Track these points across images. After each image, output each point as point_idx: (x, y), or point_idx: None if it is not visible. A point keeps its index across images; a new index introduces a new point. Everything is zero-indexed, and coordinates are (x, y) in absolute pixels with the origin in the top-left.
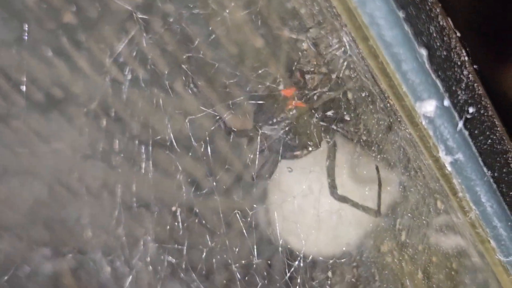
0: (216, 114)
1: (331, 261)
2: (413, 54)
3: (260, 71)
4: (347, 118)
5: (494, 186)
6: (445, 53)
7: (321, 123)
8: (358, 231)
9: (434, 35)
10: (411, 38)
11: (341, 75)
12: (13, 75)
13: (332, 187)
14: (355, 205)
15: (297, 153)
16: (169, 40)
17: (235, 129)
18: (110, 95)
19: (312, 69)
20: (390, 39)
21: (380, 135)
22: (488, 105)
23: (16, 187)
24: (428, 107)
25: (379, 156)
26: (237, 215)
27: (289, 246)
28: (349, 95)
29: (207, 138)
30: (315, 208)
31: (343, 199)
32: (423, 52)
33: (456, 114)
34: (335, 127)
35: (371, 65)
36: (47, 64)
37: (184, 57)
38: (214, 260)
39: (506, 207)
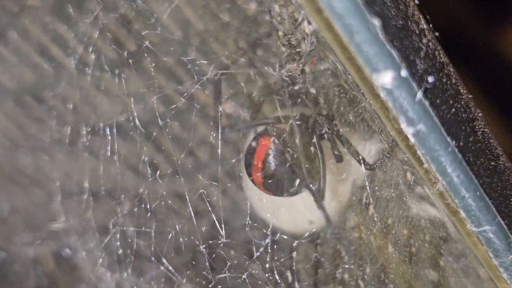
0: (181, 91)
1: (296, 241)
2: (365, 24)
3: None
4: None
5: (460, 156)
6: (401, 22)
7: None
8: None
9: (388, 3)
10: (362, 8)
11: (304, 49)
12: None
13: None
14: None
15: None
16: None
17: (198, 106)
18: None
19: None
20: (341, 10)
21: (342, 108)
22: (452, 73)
23: None
24: (385, 78)
25: (349, 128)
26: (202, 195)
27: (255, 225)
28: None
29: (171, 117)
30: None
31: None
32: (376, 22)
33: (414, 84)
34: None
35: (328, 38)
36: None
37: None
38: (181, 241)
39: (473, 176)
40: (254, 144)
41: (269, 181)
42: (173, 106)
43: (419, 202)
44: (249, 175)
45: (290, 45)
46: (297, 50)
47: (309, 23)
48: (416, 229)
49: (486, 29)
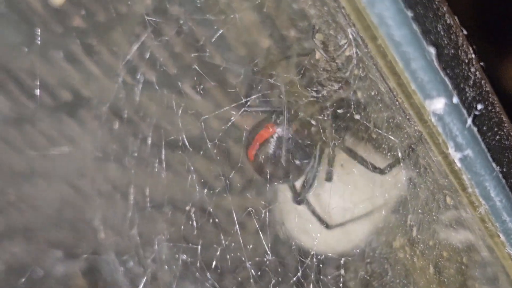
0: (228, 113)
1: (343, 259)
2: (421, 52)
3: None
4: (356, 117)
5: (503, 181)
6: (452, 51)
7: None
8: (370, 228)
9: (442, 33)
10: (419, 37)
11: (350, 74)
12: (26, 79)
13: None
14: None
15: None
16: (179, 42)
17: (247, 128)
18: (122, 97)
19: (325, 73)
20: (399, 38)
21: (389, 133)
22: (495, 102)
23: (29, 190)
24: (437, 104)
25: (389, 154)
26: (251, 213)
27: (302, 244)
28: (359, 94)
29: (220, 138)
30: (327, 206)
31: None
32: (432, 50)
33: (464, 111)
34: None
35: (380, 64)
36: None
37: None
38: (228, 258)
39: None
40: (259, 128)
41: (259, 161)
42: (223, 128)
43: (457, 226)
44: (246, 145)
45: (331, 70)
46: (338, 74)
47: (352, 48)
48: (454, 251)
49: None
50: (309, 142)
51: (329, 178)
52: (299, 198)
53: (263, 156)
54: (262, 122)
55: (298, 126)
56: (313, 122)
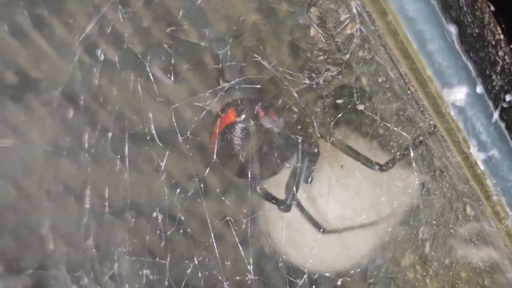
0: (204, 102)
1: (341, 279)
2: (440, 32)
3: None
4: (360, 107)
5: None
6: (477, 30)
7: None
8: (374, 242)
9: (465, 9)
10: (437, 13)
11: (353, 57)
12: None
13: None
14: None
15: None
16: (147, 15)
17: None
18: (78, 80)
19: (321, 55)
20: (413, 14)
21: (399, 128)
22: None
23: None
24: (458, 94)
25: (398, 153)
26: (229, 222)
27: (291, 260)
28: (363, 81)
29: (193, 131)
30: (323, 214)
31: None
32: (452, 29)
33: (490, 103)
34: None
35: (390, 44)
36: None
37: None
38: (201, 276)
39: None
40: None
41: (221, 150)
42: (196, 118)
43: (478, 241)
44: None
45: (329, 50)
46: (338, 56)
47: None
48: (474, 272)
49: None
50: (296, 136)
51: (306, 179)
52: (284, 204)
53: (221, 146)
54: (226, 107)
55: (284, 116)
56: (304, 113)
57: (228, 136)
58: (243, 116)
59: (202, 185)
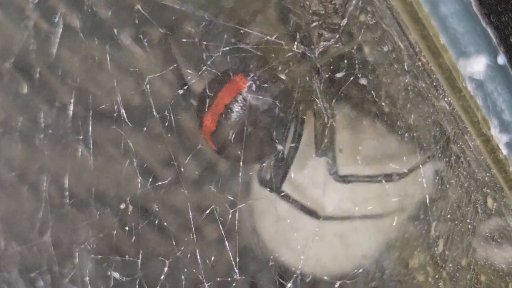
0: (182, 74)
1: (339, 282)
2: None
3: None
4: (362, 82)
5: None
6: None
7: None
8: (377, 239)
9: None
10: None
11: (353, 22)
12: None
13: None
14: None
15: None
16: None
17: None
18: (33, 50)
19: (316, 20)
20: None
21: (408, 106)
22: None
23: None
24: (476, 66)
25: (406, 135)
26: (213, 214)
27: (282, 259)
28: (366, 50)
29: (170, 108)
30: (319, 207)
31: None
32: None
33: None
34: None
35: (397, 7)
36: None
37: None
38: (181, 276)
39: None
40: (223, 77)
41: (224, 133)
42: (175, 93)
43: (501, 239)
44: (198, 112)
45: (325, 14)
46: (335, 21)
47: None
48: (496, 275)
49: None
50: (289, 111)
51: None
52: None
53: (229, 124)
54: (225, 74)
55: (276, 88)
56: (297, 85)
57: (236, 110)
58: (250, 83)
59: (180, 171)
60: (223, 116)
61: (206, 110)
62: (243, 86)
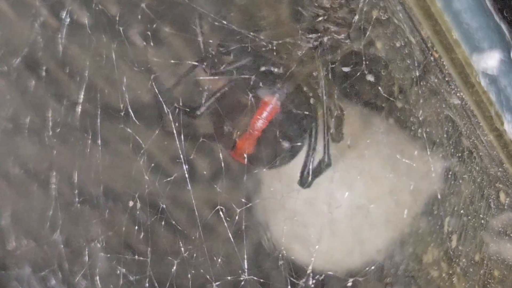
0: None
1: (352, 279)
2: None
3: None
4: (370, 79)
5: None
6: None
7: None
8: (391, 235)
9: None
10: None
11: (365, 17)
12: None
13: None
14: None
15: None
16: None
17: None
18: (41, 47)
19: (323, 13)
20: None
21: (420, 101)
22: None
23: None
24: (490, 61)
25: (419, 130)
26: (221, 212)
27: (293, 257)
28: (378, 46)
29: (179, 104)
30: (329, 204)
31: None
32: None
33: None
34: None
35: (409, 2)
36: None
37: None
38: (188, 275)
39: None
40: (251, 99)
41: (259, 155)
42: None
43: None
44: (229, 137)
45: (331, 8)
46: (342, 15)
47: None
48: (509, 270)
49: None
50: (305, 112)
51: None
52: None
53: (268, 146)
54: (253, 94)
55: (292, 89)
56: (306, 85)
57: (273, 133)
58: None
59: (187, 167)
60: (261, 139)
61: (239, 133)
62: (277, 110)
